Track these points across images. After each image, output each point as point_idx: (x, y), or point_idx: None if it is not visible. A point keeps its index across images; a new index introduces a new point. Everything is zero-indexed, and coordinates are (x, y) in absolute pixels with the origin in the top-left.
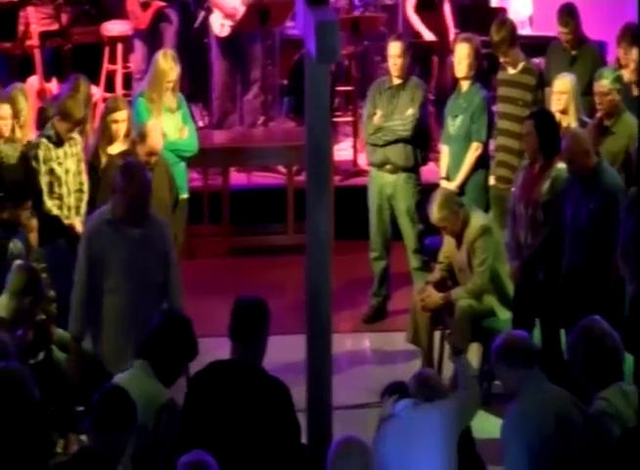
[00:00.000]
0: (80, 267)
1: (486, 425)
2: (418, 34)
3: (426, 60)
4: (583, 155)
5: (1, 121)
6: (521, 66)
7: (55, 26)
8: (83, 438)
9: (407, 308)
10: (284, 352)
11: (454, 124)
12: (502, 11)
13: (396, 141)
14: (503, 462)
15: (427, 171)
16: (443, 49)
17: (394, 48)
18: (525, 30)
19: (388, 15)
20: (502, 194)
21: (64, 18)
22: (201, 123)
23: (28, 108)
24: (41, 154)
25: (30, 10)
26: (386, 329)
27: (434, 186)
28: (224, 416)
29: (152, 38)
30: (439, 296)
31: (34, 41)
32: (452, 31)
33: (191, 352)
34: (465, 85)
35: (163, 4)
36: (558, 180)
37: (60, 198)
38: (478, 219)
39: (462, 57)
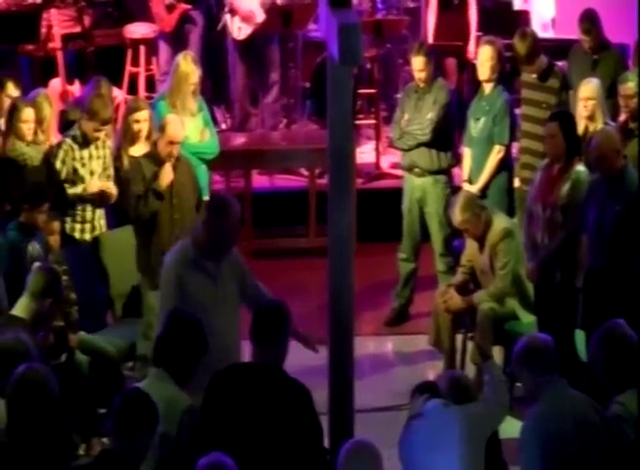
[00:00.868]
0: (168, 306)
1: (508, 427)
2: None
3: (441, 62)
4: (614, 154)
5: (24, 124)
6: (544, 69)
7: (77, 29)
8: (105, 440)
9: (429, 311)
10: (306, 354)
11: (476, 127)
12: (525, 14)
13: (419, 145)
14: (520, 465)
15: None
16: (462, 52)
17: (417, 63)
18: (547, 33)
19: (410, 18)
20: (525, 195)
21: (86, 20)
22: (223, 126)
23: (52, 114)
24: (61, 153)
25: (53, 12)
26: (408, 332)
27: (457, 189)
28: (245, 418)
29: (176, 41)
30: (461, 299)
31: (57, 43)
32: (473, 35)
33: (201, 348)
34: (487, 88)
35: (189, 6)
36: (578, 182)
37: (81, 199)
38: (500, 222)
39: (485, 59)
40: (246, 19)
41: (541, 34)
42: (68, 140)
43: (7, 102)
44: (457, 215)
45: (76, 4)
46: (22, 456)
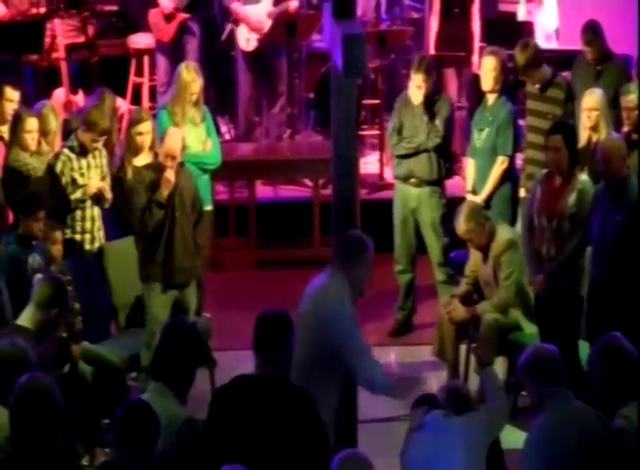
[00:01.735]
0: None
1: (511, 437)
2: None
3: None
4: (620, 159)
5: (28, 135)
6: (549, 80)
7: (81, 39)
8: (109, 451)
9: (433, 322)
10: None
11: (480, 138)
12: (528, 25)
13: (421, 152)
14: None
15: (453, 185)
16: (463, 62)
17: (417, 80)
18: (551, 44)
19: (414, 28)
20: None
21: (90, 30)
22: (227, 136)
23: (57, 127)
24: (59, 165)
25: (57, 22)
26: (411, 342)
27: (461, 200)
28: (250, 430)
29: (175, 51)
30: (465, 309)
31: (61, 53)
32: (477, 45)
33: (199, 358)
34: (491, 98)
35: (187, 16)
36: (584, 192)
37: (82, 209)
38: (504, 233)
39: (488, 70)
40: (255, 29)
41: (545, 45)
42: (66, 151)
43: (8, 106)
44: (461, 225)
45: (80, 14)
46: (26, 466)
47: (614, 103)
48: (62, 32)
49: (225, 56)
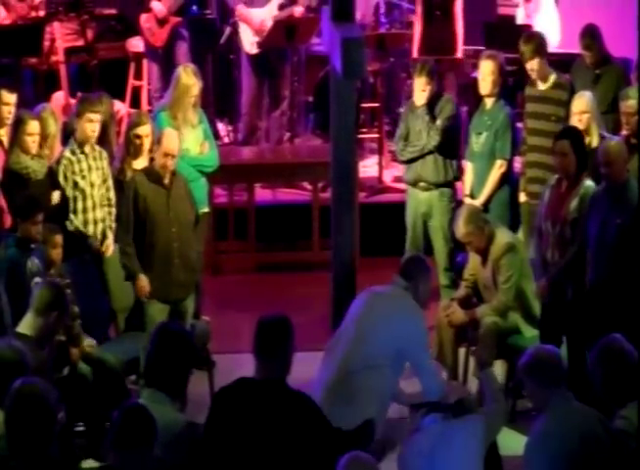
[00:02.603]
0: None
1: (511, 442)
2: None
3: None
4: (622, 162)
5: (29, 137)
6: (551, 81)
7: (80, 42)
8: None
9: (432, 325)
10: (310, 368)
11: (478, 142)
12: (528, 28)
13: (426, 154)
14: None
15: None
16: (445, 64)
17: (419, 84)
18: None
19: (413, 32)
20: (535, 210)
21: (89, 33)
22: (226, 140)
23: (57, 130)
24: (62, 169)
25: (56, 25)
26: None
27: (459, 203)
28: (250, 433)
29: (166, 56)
30: (464, 313)
31: (60, 57)
32: (461, 48)
33: (190, 359)
34: (489, 102)
35: (180, 19)
36: (586, 197)
37: (84, 211)
38: (503, 237)
39: (486, 74)
40: (258, 32)
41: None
42: (67, 154)
43: (4, 110)
44: (460, 228)
45: (79, 18)
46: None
47: (613, 107)
48: (61, 36)
49: (225, 59)
